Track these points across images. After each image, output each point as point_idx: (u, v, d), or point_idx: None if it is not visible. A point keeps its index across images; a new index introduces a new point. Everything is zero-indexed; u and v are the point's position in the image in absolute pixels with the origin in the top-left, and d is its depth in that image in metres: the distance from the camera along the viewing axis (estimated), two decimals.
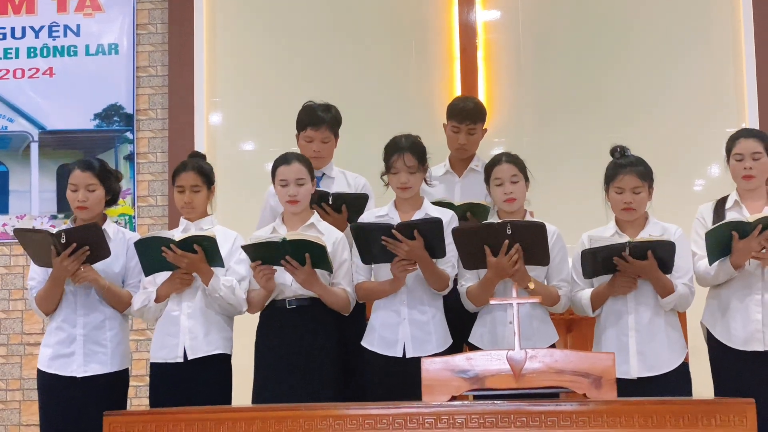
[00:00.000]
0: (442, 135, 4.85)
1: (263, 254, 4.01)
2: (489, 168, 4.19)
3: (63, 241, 4.04)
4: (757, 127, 5.80)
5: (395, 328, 4.09)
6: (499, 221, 3.98)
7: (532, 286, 3.91)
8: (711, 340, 4.24)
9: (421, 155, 4.16)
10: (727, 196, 4.29)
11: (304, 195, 4.18)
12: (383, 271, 4.11)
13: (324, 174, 4.62)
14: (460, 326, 4.21)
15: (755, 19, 6.13)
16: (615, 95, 6.24)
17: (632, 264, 3.91)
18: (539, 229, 3.93)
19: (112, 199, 4.38)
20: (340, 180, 4.64)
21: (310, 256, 3.96)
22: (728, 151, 4.26)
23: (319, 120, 4.54)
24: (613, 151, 4.18)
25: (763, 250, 3.99)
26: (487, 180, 4.19)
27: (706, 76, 6.20)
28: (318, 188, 4.33)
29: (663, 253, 3.92)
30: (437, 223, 3.96)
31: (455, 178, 4.79)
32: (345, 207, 4.37)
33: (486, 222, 4.14)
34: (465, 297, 4.12)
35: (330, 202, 4.37)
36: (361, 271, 4.18)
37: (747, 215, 4.12)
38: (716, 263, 4.07)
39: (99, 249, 4.10)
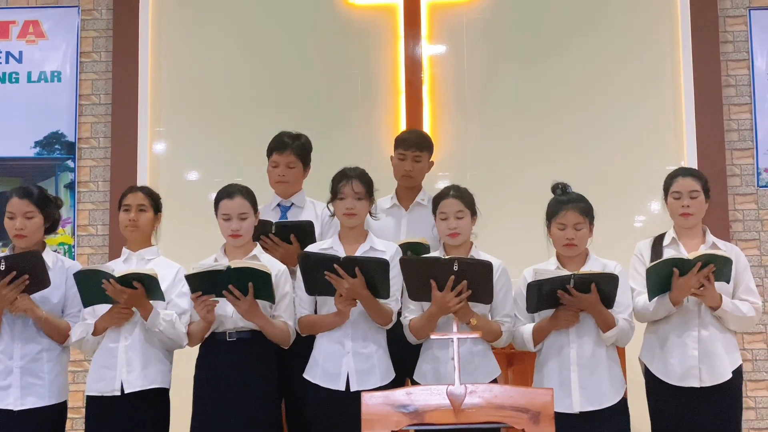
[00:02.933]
0: (386, 168, 4.86)
1: (206, 284, 3.97)
2: (436, 201, 4.21)
3: (2, 268, 3.97)
4: (695, 165, 5.92)
5: (339, 360, 4.07)
6: (447, 257, 3.99)
7: (474, 322, 3.93)
8: (648, 376, 4.28)
9: (368, 185, 4.20)
10: (665, 233, 4.36)
11: (247, 229, 4.17)
12: (329, 304, 4.10)
13: (293, 204, 4.64)
14: (406, 359, 4.20)
15: (694, 59, 6.26)
16: (557, 132, 6.32)
17: (576, 297, 3.95)
18: (486, 268, 3.95)
19: (51, 226, 4.32)
20: (308, 210, 4.65)
21: (254, 285, 3.93)
22: (666, 189, 4.33)
23: (284, 145, 4.60)
24: (554, 188, 4.24)
25: (702, 288, 4.06)
26: (434, 212, 4.21)
27: (647, 115, 6.31)
28: (261, 218, 4.30)
29: (606, 287, 3.96)
30: (383, 264, 3.96)
31: (402, 212, 4.80)
32: (294, 237, 4.36)
33: (434, 256, 4.14)
34: (407, 329, 4.13)
35: (273, 231, 4.36)
36: (305, 304, 4.17)
37: (684, 252, 4.19)
38: (655, 299, 4.12)
39: (39, 278, 4.04)
